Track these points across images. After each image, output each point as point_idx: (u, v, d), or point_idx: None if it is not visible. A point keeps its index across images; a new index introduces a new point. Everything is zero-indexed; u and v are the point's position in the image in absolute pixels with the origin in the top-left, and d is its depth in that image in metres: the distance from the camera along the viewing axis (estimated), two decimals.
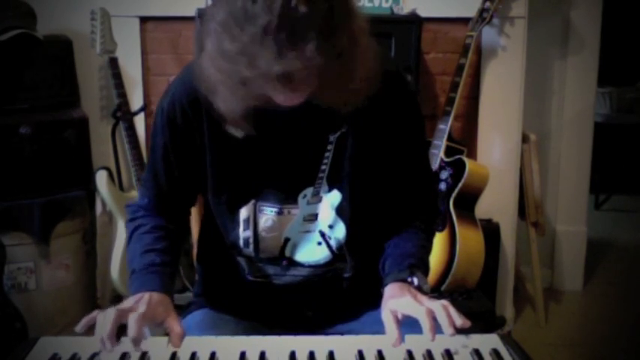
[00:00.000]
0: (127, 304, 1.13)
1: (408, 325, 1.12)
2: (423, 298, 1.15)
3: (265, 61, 0.96)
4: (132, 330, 1.06)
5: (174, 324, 1.13)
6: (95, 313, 1.09)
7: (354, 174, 1.28)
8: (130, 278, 1.23)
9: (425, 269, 1.29)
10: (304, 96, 1.09)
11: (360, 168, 1.28)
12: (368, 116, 1.24)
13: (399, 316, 1.14)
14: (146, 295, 1.16)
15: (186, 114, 1.25)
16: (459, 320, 1.09)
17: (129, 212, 1.36)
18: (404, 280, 1.22)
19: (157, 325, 1.14)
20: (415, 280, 1.22)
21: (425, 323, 1.08)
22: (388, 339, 1.11)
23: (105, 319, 1.07)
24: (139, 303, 1.13)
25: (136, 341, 1.05)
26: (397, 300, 1.16)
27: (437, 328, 1.09)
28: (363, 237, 1.33)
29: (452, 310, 1.10)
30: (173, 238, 1.31)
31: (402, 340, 1.10)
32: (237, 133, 1.21)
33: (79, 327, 1.09)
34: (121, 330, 1.08)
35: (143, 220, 1.32)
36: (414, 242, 1.31)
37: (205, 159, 1.27)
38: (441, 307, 1.10)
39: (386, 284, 1.24)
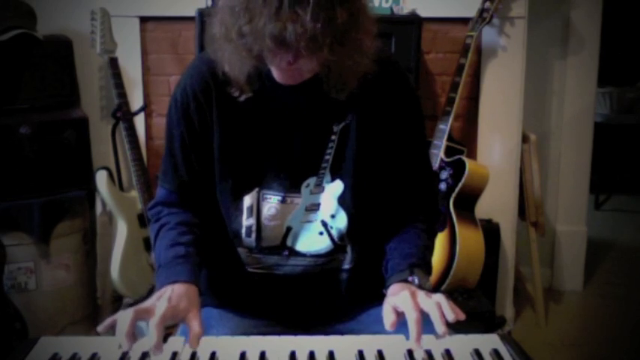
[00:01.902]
0: (147, 302, 1.13)
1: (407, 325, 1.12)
2: (420, 295, 1.15)
3: (263, 19, 1.02)
4: (152, 337, 1.05)
5: (194, 322, 1.12)
6: (118, 314, 1.09)
7: (356, 165, 1.29)
8: (156, 274, 1.24)
9: (427, 268, 1.30)
10: (301, 75, 1.16)
11: (363, 159, 1.30)
12: (371, 109, 1.28)
13: (399, 310, 1.15)
14: (168, 291, 1.16)
15: (198, 101, 1.28)
16: (451, 315, 1.09)
17: (151, 214, 1.37)
18: (405, 281, 1.23)
19: (180, 322, 1.14)
20: (416, 280, 1.23)
21: (412, 331, 1.09)
22: (388, 339, 1.11)
23: (123, 318, 1.06)
24: (159, 300, 1.13)
25: (157, 348, 1.04)
26: (396, 296, 1.18)
27: (430, 327, 1.09)
28: (364, 227, 1.34)
29: (445, 307, 1.10)
30: (197, 232, 1.32)
31: (395, 325, 1.12)
32: (241, 97, 1.26)
33: (101, 328, 1.09)
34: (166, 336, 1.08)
35: (166, 218, 1.33)
36: (415, 242, 1.32)
37: (214, 143, 1.29)
38: (434, 307, 1.10)
39: (388, 286, 1.26)
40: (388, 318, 1.14)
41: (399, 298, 1.16)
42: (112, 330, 1.08)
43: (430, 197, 1.43)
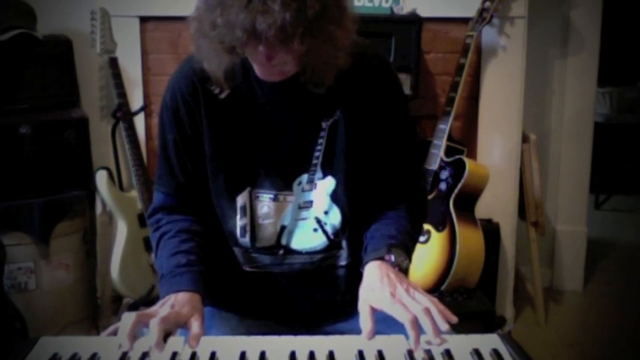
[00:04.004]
0: (151, 309, 1.15)
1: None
2: (402, 296, 1.14)
3: (234, 11, 1.02)
4: (153, 335, 1.06)
5: (195, 324, 1.13)
6: (122, 317, 1.10)
7: (347, 160, 1.30)
8: (160, 283, 1.24)
9: (406, 251, 1.28)
10: (283, 72, 1.15)
11: (353, 154, 1.30)
12: (357, 103, 1.28)
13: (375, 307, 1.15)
14: (171, 299, 1.17)
15: (187, 103, 1.28)
16: (444, 325, 1.09)
17: (151, 223, 1.37)
18: (382, 259, 1.22)
19: (182, 327, 1.14)
20: (392, 257, 1.22)
21: (411, 335, 1.08)
22: (388, 339, 1.11)
23: (126, 320, 1.08)
24: (162, 307, 1.14)
25: (158, 346, 1.06)
26: (376, 295, 1.16)
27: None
28: (358, 222, 1.34)
29: (435, 314, 1.10)
30: (198, 239, 1.32)
31: (373, 334, 1.11)
32: (222, 94, 1.26)
33: (105, 334, 1.11)
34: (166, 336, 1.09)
35: (167, 226, 1.33)
36: (395, 226, 1.31)
37: (204, 144, 1.30)
38: (423, 315, 1.09)
39: (365, 263, 1.24)
40: (366, 325, 1.12)
41: (378, 301, 1.15)
42: (114, 335, 1.09)
43: (415, 187, 1.41)
